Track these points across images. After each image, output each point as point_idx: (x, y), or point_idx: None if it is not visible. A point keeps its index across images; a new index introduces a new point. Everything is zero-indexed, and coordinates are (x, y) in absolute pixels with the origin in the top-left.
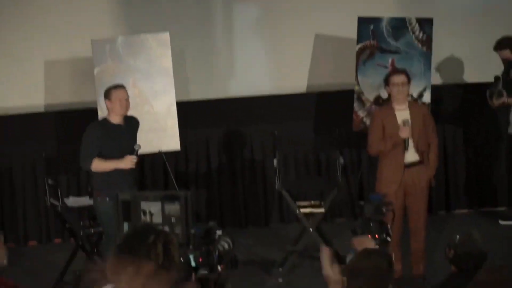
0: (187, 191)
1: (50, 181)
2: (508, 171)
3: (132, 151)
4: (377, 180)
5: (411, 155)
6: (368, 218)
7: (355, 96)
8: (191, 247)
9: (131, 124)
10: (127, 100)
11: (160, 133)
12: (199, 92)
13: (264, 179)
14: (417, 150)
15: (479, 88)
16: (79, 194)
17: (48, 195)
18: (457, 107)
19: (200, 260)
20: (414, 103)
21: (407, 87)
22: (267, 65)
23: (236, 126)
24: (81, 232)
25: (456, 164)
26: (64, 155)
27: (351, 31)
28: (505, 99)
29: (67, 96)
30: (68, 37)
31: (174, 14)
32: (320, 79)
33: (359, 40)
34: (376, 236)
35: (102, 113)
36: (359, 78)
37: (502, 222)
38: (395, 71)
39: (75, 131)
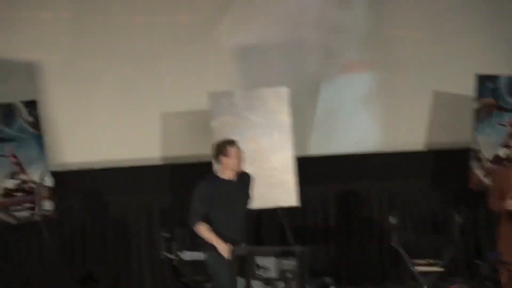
0: (304, 247)
1: (165, 234)
2: None
3: (244, 183)
4: (498, 236)
5: None
6: (483, 277)
7: (472, 154)
8: None
9: (244, 179)
10: (242, 156)
11: (278, 188)
12: (317, 148)
13: (380, 236)
14: None
15: None
16: (194, 248)
17: (162, 248)
18: None
19: None
20: None
21: None
22: (384, 122)
23: (353, 182)
24: (195, 286)
25: None
26: (180, 208)
27: (468, 88)
28: None
29: (183, 148)
30: (185, 90)
31: (292, 70)
32: (437, 136)
33: (477, 98)
34: None
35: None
36: (477, 136)
37: None
38: None
39: (190, 184)
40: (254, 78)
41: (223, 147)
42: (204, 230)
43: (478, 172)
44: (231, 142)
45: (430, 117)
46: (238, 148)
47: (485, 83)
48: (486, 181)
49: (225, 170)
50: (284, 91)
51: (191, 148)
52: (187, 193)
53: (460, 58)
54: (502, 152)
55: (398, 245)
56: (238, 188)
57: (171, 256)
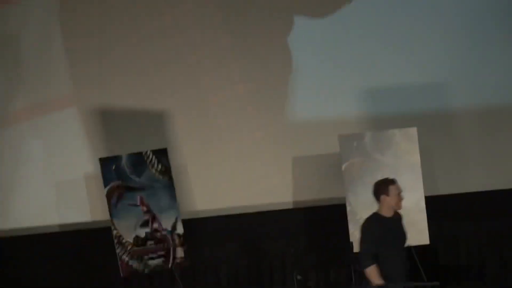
0: (436, 282)
1: (298, 277)
2: None
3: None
4: None
5: None
6: None
7: None
8: None
9: (399, 217)
10: (401, 194)
11: (410, 228)
12: (447, 187)
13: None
14: None
15: None
16: None
17: None
18: None
19: None
20: None
21: None
22: None
23: (486, 220)
24: None
25: None
26: (312, 251)
27: None
28: None
29: (315, 192)
30: (316, 133)
31: (419, 110)
32: None
33: None
34: None
35: (350, 208)
36: None
37: None
38: None
39: (323, 227)
40: (383, 120)
41: (384, 186)
42: (375, 274)
43: None
44: (392, 181)
45: None
46: (398, 187)
47: None
48: None
49: (385, 209)
50: (413, 131)
51: (323, 191)
52: (321, 236)
53: None
54: None
55: None
56: (398, 225)
57: None
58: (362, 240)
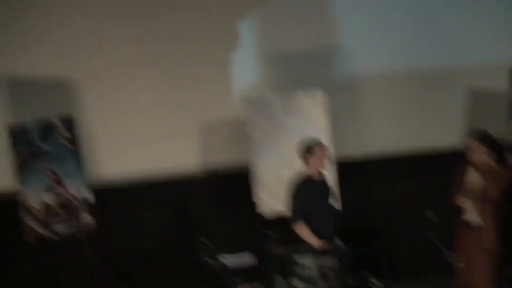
0: (342, 244)
1: (204, 240)
2: None
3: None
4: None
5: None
6: None
7: None
8: None
9: (324, 177)
10: (329, 156)
11: None
12: (351, 149)
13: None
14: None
15: None
16: (233, 252)
17: (203, 253)
18: None
19: None
20: (493, 167)
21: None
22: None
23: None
24: None
25: None
26: (218, 214)
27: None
28: None
29: (221, 156)
30: (222, 97)
31: (324, 72)
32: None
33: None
34: None
35: (257, 170)
36: None
37: None
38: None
39: (230, 190)
40: (288, 83)
41: (310, 147)
42: (303, 229)
43: None
44: (317, 142)
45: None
46: (325, 148)
47: None
48: None
49: (311, 169)
50: (319, 94)
51: (229, 155)
52: (225, 200)
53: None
54: None
55: (435, 239)
56: (324, 185)
57: (211, 261)
58: (292, 200)
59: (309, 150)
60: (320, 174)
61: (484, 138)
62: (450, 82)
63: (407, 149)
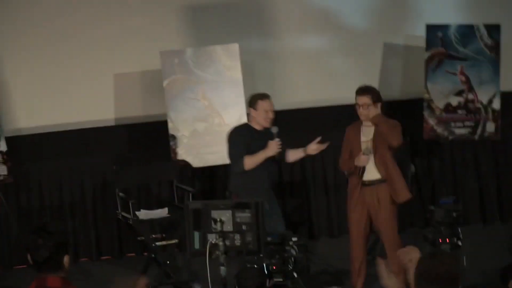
0: (259, 199)
1: (121, 194)
2: None
3: (271, 135)
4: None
5: (371, 174)
6: (438, 222)
7: (425, 104)
8: (261, 255)
9: (268, 132)
10: (272, 111)
11: None
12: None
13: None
14: (381, 167)
15: None
16: (150, 207)
17: (119, 208)
18: None
19: (274, 267)
20: (386, 120)
21: (371, 107)
22: (336, 77)
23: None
24: (153, 245)
25: None
26: (134, 167)
27: (419, 40)
28: None
29: (137, 109)
30: (137, 50)
31: (243, 25)
32: (389, 88)
33: (427, 47)
34: (447, 240)
35: (172, 125)
36: (428, 86)
37: None
38: (358, 91)
39: (145, 144)
40: (206, 36)
41: (253, 100)
42: (250, 158)
43: (431, 121)
44: (263, 96)
45: (381, 68)
46: (269, 103)
47: (435, 32)
48: (439, 130)
49: (254, 123)
50: (235, 47)
51: (144, 108)
52: (142, 153)
53: (410, 10)
54: (454, 101)
55: None
56: (265, 138)
57: (128, 216)
58: (231, 145)
59: (253, 103)
60: (264, 128)
61: (371, 91)
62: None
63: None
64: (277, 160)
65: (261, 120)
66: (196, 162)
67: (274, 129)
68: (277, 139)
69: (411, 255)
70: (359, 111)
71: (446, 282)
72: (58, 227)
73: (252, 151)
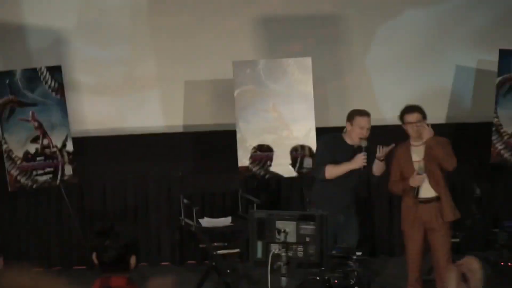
0: (323, 211)
1: (185, 201)
2: None
3: (359, 148)
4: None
5: (426, 191)
6: (501, 245)
7: (493, 128)
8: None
9: (361, 149)
10: (368, 129)
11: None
12: (338, 119)
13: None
14: (434, 184)
15: None
16: (213, 215)
17: (182, 214)
18: None
19: (336, 281)
20: (435, 137)
21: (422, 124)
22: (406, 95)
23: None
24: (214, 253)
25: None
26: (200, 176)
27: (491, 64)
28: None
29: (206, 117)
30: (210, 59)
31: (315, 39)
32: (459, 110)
33: (499, 72)
34: (510, 264)
35: (240, 135)
36: (498, 110)
37: None
38: (408, 109)
39: (212, 152)
40: (279, 49)
41: (351, 115)
42: (332, 168)
43: (498, 146)
44: (362, 113)
45: (452, 90)
46: (366, 120)
47: (508, 57)
48: (506, 154)
49: (347, 137)
50: (307, 61)
51: (214, 117)
52: (209, 161)
53: (482, 36)
54: None
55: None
56: (355, 152)
57: (191, 223)
58: (317, 152)
59: (351, 117)
60: (360, 143)
61: (421, 109)
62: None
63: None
64: (362, 175)
65: (354, 135)
66: (262, 173)
67: (364, 143)
68: (364, 153)
69: (472, 266)
70: (412, 129)
71: None
72: (126, 228)
73: (336, 162)
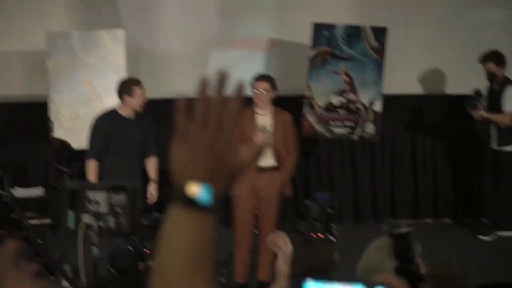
0: (135, 182)
1: None
2: (494, 186)
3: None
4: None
5: (267, 160)
6: (313, 217)
7: (306, 101)
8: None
9: (143, 119)
10: (145, 97)
11: None
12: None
13: None
14: (275, 155)
15: (461, 100)
16: (25, 186)
17: None
18: (439, 118)
19: (148, 251)
20: (279, 111)
21: (270, 94)
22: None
23: None
24: (26, 223)
25: (440, 175)
26: (13, 146)
27: (304, 37)
28: (482, 112)
29: (18, 88)
30: (22, 29)
31: (131, 11)
32: None
33: (313, 45)
34: (322, 236)
35: (54, 106)
36: (310, 83)
37: (481, 237)
38: (258, 76)
39: (25, 124)
40: (93, 20)
41: (128, 87)
42: (90, 168)
43: (310, 119)
44: (137, 82)
45: (265, 63)
46: (143, 89)
47: (321, 31)
48: (318, 128)
49: (125, 108)
50: (120, 33)
51: (26, 88)
52: (21, 132)
53: (297, 8)
54: (336, 100)
55: None
56: (136, 126)
57: (2, 192)
58: (90, 134)
59: (127, 89)
60: (138, 114)
61: (270, 80)
62: None
63: None
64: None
65: (136, 106)
66: (75, 144)
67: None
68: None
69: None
70: (259, 98)
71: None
72: None
73: (115, 140)
